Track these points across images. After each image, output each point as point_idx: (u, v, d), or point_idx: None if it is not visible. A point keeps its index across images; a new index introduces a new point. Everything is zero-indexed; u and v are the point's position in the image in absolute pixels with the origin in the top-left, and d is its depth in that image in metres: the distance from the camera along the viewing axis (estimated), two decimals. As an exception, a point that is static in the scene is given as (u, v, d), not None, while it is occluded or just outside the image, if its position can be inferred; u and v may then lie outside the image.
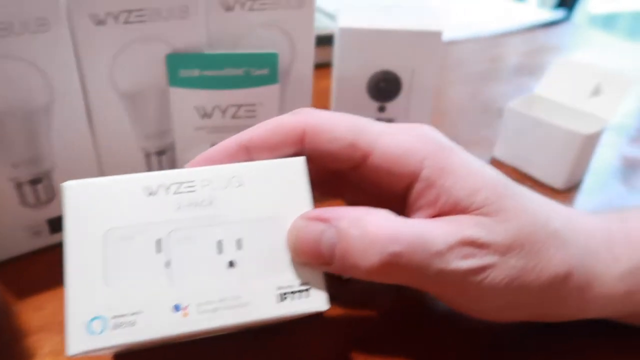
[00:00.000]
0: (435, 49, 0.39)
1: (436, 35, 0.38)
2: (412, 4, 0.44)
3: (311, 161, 0.22)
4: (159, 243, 0.20)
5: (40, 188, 0.31)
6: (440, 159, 0.21)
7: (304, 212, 0.21)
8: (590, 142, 0.41)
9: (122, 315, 0.19)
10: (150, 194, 0.21)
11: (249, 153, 0.23)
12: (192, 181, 0.21)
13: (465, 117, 0.56)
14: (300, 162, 0.22)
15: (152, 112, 0.33)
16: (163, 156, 0.35)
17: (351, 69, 0.40)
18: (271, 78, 0.34)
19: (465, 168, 0.21)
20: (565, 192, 0.43)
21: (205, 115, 0.34)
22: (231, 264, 0.21)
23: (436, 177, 0.21)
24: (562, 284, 0.21)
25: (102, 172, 0.33)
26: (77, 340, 0.19)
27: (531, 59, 0.75)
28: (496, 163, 0.47)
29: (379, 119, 0.42)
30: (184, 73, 0.32)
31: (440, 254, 0.19)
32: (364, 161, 0.22)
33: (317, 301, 0.21)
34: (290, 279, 0.21)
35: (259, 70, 0.33)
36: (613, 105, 0.43)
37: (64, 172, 0.31)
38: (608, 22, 2.67)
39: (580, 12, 2.41)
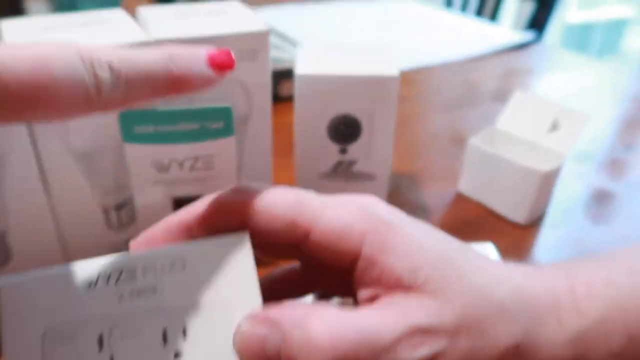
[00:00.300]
0: (392, 93, 0.39)
1: (392, 79, 0.39)
2: (369, 43, 0.44)
3: (256, 237, 0.22)
4: (100, 339, 0.19)
5: (-5, 250, 0.31)
6: (381, 235, 0.21)
7: (249, 312, 0.21)
8: (548, 179, 0.42)
9: None
10: (90, 285, 0.20)
11: (191, 232, 0.23)
12: (133, 268, 0.20)
13: (434, 148, 0.57)
14: (243, 239, 0.22)
15: (108, 169, 0.33)
16: (122, 210, 0.35)
17: (311, 113, 0.40)
18: (227, 131, 0.34)
19: (406, 245, 0.21)
20: (528, 227, 0.44)
21: (163, 169, 0.34)
22: (177, 355, 0.20)
23: (377, 254, 0.21)
24: (511, 357, 0.21)
25: (59, 230, 0.33)
26: None
27: (503, 83, 0.77)
28: (461, 197, 0.48)
29: (341, 161, 0.42)
30: (139, 129, 0.33)
31: (388, 349, 0.19)
32: (305, 239, 0.22)
33: None
34: None
35: (214, 123, 0.34)
36: (570, 140, 0.44)
37: (19, 232, 0.32)
38: (584, 31, 2.72)
39: (557, 22, 2.45)
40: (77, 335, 0.19)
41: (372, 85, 0.39)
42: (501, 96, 0.71)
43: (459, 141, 0.58)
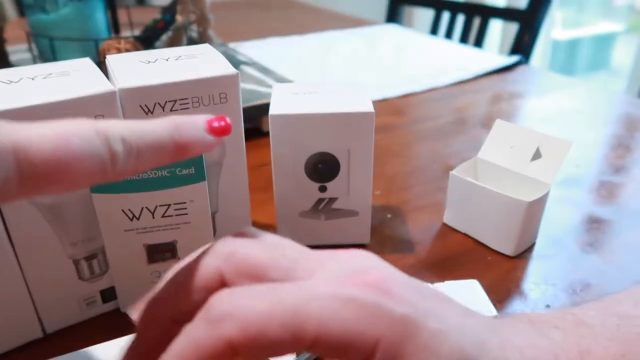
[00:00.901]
0: (368, 128, 0.39)
1: (368, 115, 0.38)
2: (343, 80, 0.44)
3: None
4: None
5: (-42, 311, 0.30)
6: (395, 342, 0.18)
7: None
8: (534, 208, 0.41)
9: None
10: None
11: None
12: None
13: (420, 179, 0.56)
14: None
15: (76, 220, 0.33)
16: (94, 260, 0.34)
17: (288, 153, 0.40)
18: (198, 176, 0.34)
19: (422, 351, 0.18)
20: (517, 259, 0.43)
21: (134, 217, 0.33)
22: None
23: None
24: None
25: (29, 284, 0.32)
26: None
27: (490, 108, 0.76)
28: (447, 229, 0.47)
29: (321, 199, 0.41)
30: (107, 179, 0.32)
31: None
32: (310, 347, 0.19)
33: None
34: None
35: (184, 169, 0.33)
36: (553, 169, 0.43)
37: (-16, 291, 0.30)
38: (571, 47, 2.75)
39: (543, 38, 2.48)
40: None
41: (348, 122, 0.39)
42: (488, 122, 0.71)
43: (445, 171, 0.58)
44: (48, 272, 0.33)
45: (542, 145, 0.44)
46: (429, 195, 0.53)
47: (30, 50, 0.72)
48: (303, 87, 0.43)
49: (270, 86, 0.69)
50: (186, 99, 0.34)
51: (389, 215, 0.49)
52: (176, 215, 0.34)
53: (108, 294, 0.36)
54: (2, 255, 0.31)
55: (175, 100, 0.33)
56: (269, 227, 0.47)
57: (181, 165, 0.33)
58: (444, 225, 0.47)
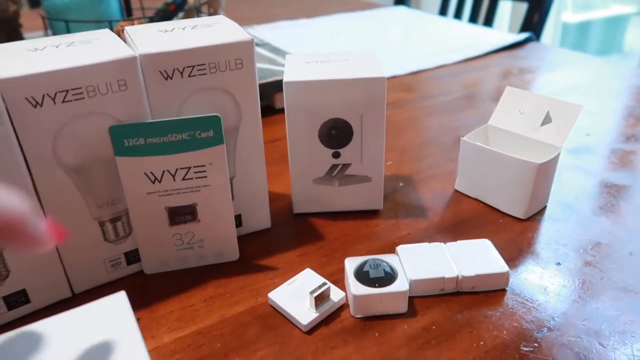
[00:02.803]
0: (381, 95, 0.40)
1: (381, 81, 0.39)
2: (355, 50, 0.45)
3: None
4: None
5: (-7, 267, 0.31)
6: None
7: None
8: (545, 170, 0.42)
9: None
10: None
11: None
12: None
13: (433, 150, 0.57)
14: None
15: (101, 183, 0.34)
16: (118, 222, 0.36)
17: (302, 120, 0.41)
18: (217, 139, 0.35)
19: None
20: (528, 221, 0.43)
21: (156, 180, 0.35)
22: None
23: None
24: None
25: (57, 244, 0.34)
26: None
27: (501, 83, 0.77)
28: (458, 195, 0.47)
29: (334, 165, 0.42)
30: (129, 142, 0.33)
31: None
32: None
33: None
34: None
35: (203, 132, 0.34)
36: (564, 132, 0.43)
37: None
38: (582, 30, 2.72)
39: (553, 22, 2.45)
40: None
41: (361, 87, 0.39)
42: (498, 96, 0.71)
43: (455, 143, 0.58)
44: (76, 234, 0.34)
45: (552, 110, 0.45)
46: (439, 165, 0.53)
47: (46, 34, 0.73)
48: (315, 56, 0.44)
49: (281, 65, 0.70)
50: (203, 65, 0.35)
51: (401, 184, 0.50)
52: (196, 178, 0.35)
53: (132, 256, 0.37)
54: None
55: (194, 66, 0.34)
56: (284, 196, 0.48)
57: (200, 128, 0.34)
58: (456, 192, 0.48)
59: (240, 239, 0.41)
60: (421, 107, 0.69)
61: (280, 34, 0.99)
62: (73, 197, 0.33)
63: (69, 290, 0.35)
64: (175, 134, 0.34)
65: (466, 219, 0.44)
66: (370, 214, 0.45)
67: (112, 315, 0.24)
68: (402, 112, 0.67)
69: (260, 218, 0.42)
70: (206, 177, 0.36)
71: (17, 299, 0.33)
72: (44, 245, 0.21)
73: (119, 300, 0.25)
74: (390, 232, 0.42)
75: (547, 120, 0.45)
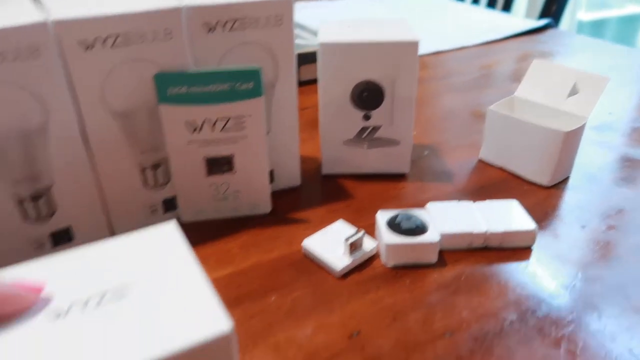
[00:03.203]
0: (413, 58, 0.41)
1: (413, 45, 0.40)
2: (387, 17, 0.46)
3: None
4: None
5: (41, 203, 0.33)
6: None
7: None
8: (571, 139, 0.43)
9: None
10: None
11: None
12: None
13: (455, 123, 0.58)
14: (227, 338, 0.20)
15: (145, 129, 0.35)
16: (158, 169, 0.37)
17: (335, 81, 0.42)
18: (256, 91, 0.36)
19: None
20: (552, 189, 0.44)
21: (196, 129, 0.36)
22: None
23: None
24: None
25: (100, 187, 0.35)
26: None
27: (520, 65, 0.77)
28: (483, 164, 0.48)
29: (365, 128, 0.43)
30: (172, 90, 0.34)
31: None
32: None
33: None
34: None
35: (243, 84, 0.35)
36: (590, 103, 0.44)
37: (63, 188, 0.33)
38: (596, 28, 2.70)
39: (568, 20, 2.45)
40: None
41: (394, 50, 0.40)
42: (518, 77, 0.72)
43: (477, 117, 0.59)
44: (119, 179, 0.35)
45: (580, 82, 0.45)
46: (462, 137, 0.54)
47: None
48: (349, 22, 0.45)
49: (306, 39, 0.71)
50: (245, 19, 0.36)
51: (425, 152, 0.51)
52: (235, 129, 0.37)
53: (169, 204, 0.38)
54: (79, 157, 0.33)
55: (236, 20, 0.35)
56: (312, 159, 0.49)
57: (241, 80, 0.35)
58: (480, 161, 0.49)
59: (272, 194, 0.42)
60: (442, 85, 0.70)
61: (300, 16, 1.00)
62: (118, 143, 0.34)
63: (110, 232, 0.37)
64: (216, 84, 0.35)
65: (491, 184, 0.45)
66: (396, 178, 0.46)
67: (167, 241, 0.25)
68: (423, 88, 0.68)
69: (290, 175, 0.43)
70: (244, 128, 0.37)
71: (63, 236, 0.34)
72: (27, 301, 0.21)
73: (171, 229, 0.26)
74: (417, 193, 0.43)
75: (573, 91, 0.46)
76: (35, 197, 0.32)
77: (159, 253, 0.24)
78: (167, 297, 0.21)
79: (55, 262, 0.23)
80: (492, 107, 0.46)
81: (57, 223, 0.34)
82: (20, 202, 0.32)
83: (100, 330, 0.20)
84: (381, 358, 0.28)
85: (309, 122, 0.56)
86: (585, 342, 0.29)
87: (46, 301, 0.21)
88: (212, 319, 0.20)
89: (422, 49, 0.83)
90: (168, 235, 0.25)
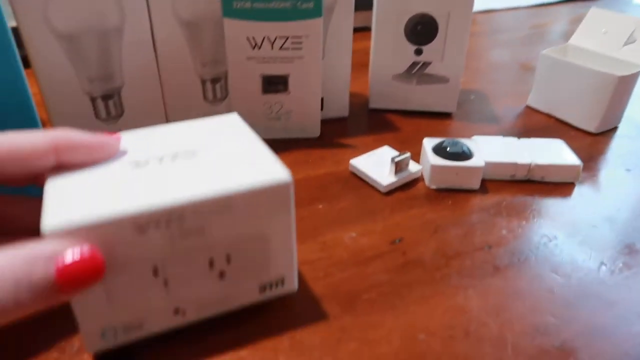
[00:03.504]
0: (471, -8, 0.41)
1: (472, -22, 0.40)
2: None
3: None
4: (155, 270, 0.21)
5: (111, 104, 0.35)
6: None
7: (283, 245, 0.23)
8: (624, 85, 0.42)
9: (129, 323, 0.22)
10: (142, 231, 0.20)
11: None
12: (181, 214, 0.20)
13: (503, 73, 0.58)
14: (287, 186, 0.22)
15: (208, 41, 0.37)
16: (217, 84, 0.39)
17: (390, 13, 0.42)
18: (316, 12, 0.37)
19: None
20: (599, 136, 0.44)
21: (256, 45, 0.37)
22: (221, 274, 0.23)
23: None
24: None
25: (163, 93, 0.37)
26: (92, 343, 0.21)
27: (572, 27, 0.76)
28: (530, 110, 0.48)
29: (415, 62, 0.44)
30: (237, 5, 0.36)
31: None
32: None
33: (288, 286, 0.25)
34: (269, 276, 0.24)
35: (304, 4, 0.36)
36: (648, 49, 0.43)
37: (131, 91, 0.35)
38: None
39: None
40: (134, 267, 0.21)
41: (452, -17, 0.41)
42: (569, 37, 0.70)
43: (526, 69, 0.59)
44: (180, 89, 0.37)
45: (638, 30, 0.45)
46: (510, 85, 0.54)
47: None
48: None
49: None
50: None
51: (472, 96, 0.51)
52: (292, 48, 0.38)
53: (225, 119, 0.40)
54: (147, 63, 0.35)
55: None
56: (360, 95, 0.50)
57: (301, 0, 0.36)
58: (528, 107, 0.49)
59: (320, 122, 0.44)
60: (491, 40, 0.69)
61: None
62: (183, 53, 0.36)
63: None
64: (279, 1, 0.36)
65: (537, 128, 0.45)
66: (442, 116, 0.47)
67: (232, 123, 0.27)
68: (472, 42, 0.68)
69: (339, 105, 0.45)
70: (301, 49, 0.38)
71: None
72: (108, 146, 0.23)
73: (234, 118, 0.27)
74: (463, 131, 0.44)
75: (630, 40, 0.45)
76: (106, 97, 0.35)
77: (226, 129, 0.26)
78: (235, 156, 0.24)
79: (130, 135, 0.25)
80: (545, 51, 0.46)
81: (123, 125, 0.36)
82: (93, 100, 0.34)
83: (178, 175, 0.22)
84: (422, 262, 0.29)
85: (358, 64, 0.57)
86: (626, 263, 0.30)
87: (125, 152, 0.23)
88: (275, 171, 0.22)
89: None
90: (233, 121, 0.27)
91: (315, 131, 0.42)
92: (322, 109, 0.44)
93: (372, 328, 0.25)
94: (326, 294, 0.27)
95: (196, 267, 0.22)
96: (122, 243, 0.20)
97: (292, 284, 0.25)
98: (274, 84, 0.39)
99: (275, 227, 0.23)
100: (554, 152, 0.38)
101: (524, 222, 0.33)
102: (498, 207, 0.34)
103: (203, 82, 0.38)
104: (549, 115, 0.47)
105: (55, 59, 0.32)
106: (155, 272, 0.21)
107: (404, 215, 0.33)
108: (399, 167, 0.35)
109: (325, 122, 0.44)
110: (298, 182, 0.36)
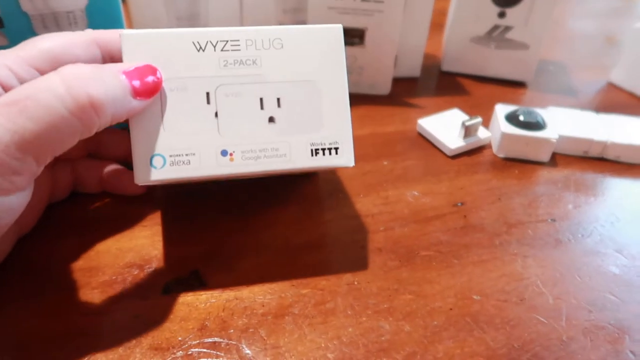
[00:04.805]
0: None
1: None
2: None
3: None
4: (208, 96, 0.22)
5: (194, 44, 0.36)
6: None
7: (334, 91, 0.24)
8: None
9: (178, 155, 0.22)
10: (199, 49, 0.22)
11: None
12: (237, 40, 0.22)
13: (586, 45, 0.55)
14: (338, 29, 0.24)
15: (291, -12, 0.37)
16: (294, 33, 0.39)
17: (477, -28, 0.41)
18: (401, -35, 0.36)
19: None
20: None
21: (337, -4, 0.37)
22: (271, 119, 0.23)
23: None
24: None
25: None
26: (142, 172, 0.22)
27: (669, 1, 0.70)
28: (612, 87, 0.46)
29: (497, 26, 0.43)
30: (324, -47, 0.36)
31: None
32: None
33: (344, 158, 0.24)
34: (322, 137, 0.24)
35: (391, -44, 0.36)
36: None
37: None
38: None
39: None
40: (189, 89, 0.22)
41: (548, -57, 0.39)
42: (667, 11, 0.65)
43: (611, 42, 0.56)
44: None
45: None
46: (592, 58, 0.52)
47: None
48: None
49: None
50: None
51: (550, 67, 0.49)
52: (374, 1, 0.38)
53: (298, 69, 0.41)
54: (233, 13, 0.36)
55: None
56: (433, 57, 0.49)
57: (389, -49, 0.36)
58: (610, 84, 0.47)
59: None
60: (577, 9, 0.65)
61: None
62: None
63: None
64: (365, -48, 0.36)
65: (617, 106, 0.43)
66: (516, 84, 0.45)
67: (325, 42, 0.24)
68: (556, 9, 0.64)
69: (412, 64, 0.44)
70: (383, 2, 0.38)
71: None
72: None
73: (336, 31, 0.25)
74: (537, 102, 0.43)
75: None
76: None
77: (317, 52, 0.24)
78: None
79: None
80: (638, 25, 0.43)
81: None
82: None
83: None
84: (483, 227, 0.30)
85: (431, 24, 0.55)
86: (692, 253, 0.29)
87: None
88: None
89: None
90: (331, 37, 0.25)
91: (385, 88, 0.42)
92: (394, 66, 0.44)
93: (428, 283, 0.26)
94: (386, 246, 0.28)
95: (246, 102, 0.23)
96: (182, 57, 0.22)
97: (348, 156, 0.24)
98: (351, 36, 0.39)
99: (326, 77, 0.24)
100: (633, 132, 0.36)
101: (592, 199, 0.32)
102: (566, 182, 0.34)
103: (282, 30, 0.39)
104: (633, 94, 0.45)
105: (146, -5, 0.33)
106: (208, 98, 0.22)
107: (468, 180, 0.33)
108: (468, 131, 0.35)
109: (395, 81, 0.44)
110: (364, 138, 0.37)
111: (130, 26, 0.35)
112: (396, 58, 0.43)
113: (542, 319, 0.24)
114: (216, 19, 0.36)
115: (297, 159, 0.24)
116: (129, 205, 0.29)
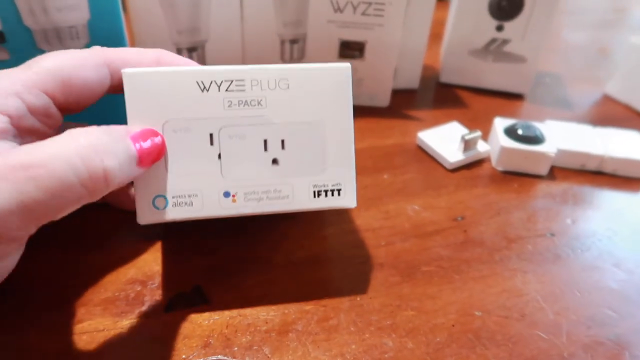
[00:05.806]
0: (564, -30, 0.39)
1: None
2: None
3: None
4: (211, 137, 0.22)
5: (194, 56, 0.37)
6: None
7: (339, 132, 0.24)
8: None
9: (181, 196, 0.22)
10: (203, 89, 0.22)
11: None
12: (242, 80, 0.22)
13: (580, 56, 0.55)
14: (346, 69, 0.23)
15: (293, 1, 0.37)
16: (295, 45, 0.39)
17: (475, -15, 0.41)
18: (402, -21, 0.36)
19: None
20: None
21: (338, 9, 0.38)
22: (274, 161, 0.23)
23: None
24: None
25: (244, 51, 0.38)
26: (144, 213, 0.22)
27: (662, 12, 0.71)
28: (608, 99, 0.47)
29: (495, 39, 0.43)
30: (325, -33, 0.36)
31: None
32: None
33: (346, 199, 0.24)
34: (325, 179, 0.24)
35: (391, -30, 0.36)
36: None
37: (215, 45, 0.37)
38: None
39: None
40: (192, 130, 0.22)
41: (545, -41, 0.39)
42: (660, 23, 0.66)
43: (605, 54, 0.56)
44: (260, 47, 0.38)
45: None
46: (587, 69, 0.52)
47: None
48: None
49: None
50: None
51: (547, 79, 0.50)
52: (374, 15, 0.38)
53: (298, 81, 0.41)
54: (234, 24, 0.36)
55: None
56: (431, 68, 0.49)
57: (390, -34, 0.36)
58: (605, 96, 0.47)
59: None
60: (570, 20, 0.66)
61: None
62: (267, 11, 0.37)
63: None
64: (366, -34, 0.36)
65: (613, 119, 0.44)
66: (513, 96, 0.46)
67: (332, 82, 0.24)
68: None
69: (411, 76, 0.45)
70: (383, 16, 0.38)
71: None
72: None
73: (344, 70, 0.24)
74: (534, 114, 0.43)
75: None
76: (191, 49, 0.36)
77: (324, 93, 0.24)
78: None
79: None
80: (634, 38, 0.44)
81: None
82: (179, 52, 0.36)
83: None
84: (483, 241, 0.30)
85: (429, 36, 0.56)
86: (689, 268, 0.29)
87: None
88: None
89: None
90: (338, 77, 0.24)
91: (384, 101, 0.42)
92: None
93: (429, 299, 0.26)
94: (387, 261, 0.28)
95: (250, 144, 0.23)
96: (185, 97, 0.22)
97: (351, 197, 0.24)
98: (351, 49, 0.39)
99: (332, 116, 0.23)
100: (630, 146, 0.37)
101: (589, 213, 0.33)
102: (564, 195, 0.34)
103: (282, 42, 0.39)
104: (628, 107, 0.46)
105: (151, 7, 0.33)
106: (212, 139, 0.22)
107: (468, 194, 0.34)
108: (467, 145, 0.36)
109: (394, 93, 0.44)
110: (364, 151, 0.37)
111: (132, 40, 0.35)
112: (395, 69, 0.44)
113: (543, 335, 0.24)
114: (216, 33, 0.36)
115: (299, 201, 0.24)
116: (131, 219, 0.29)
